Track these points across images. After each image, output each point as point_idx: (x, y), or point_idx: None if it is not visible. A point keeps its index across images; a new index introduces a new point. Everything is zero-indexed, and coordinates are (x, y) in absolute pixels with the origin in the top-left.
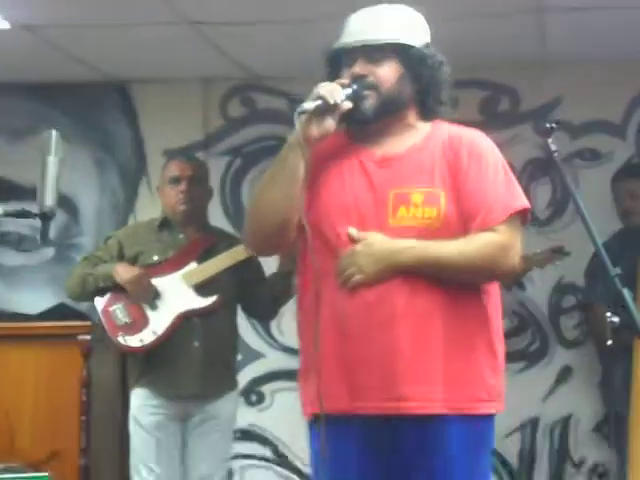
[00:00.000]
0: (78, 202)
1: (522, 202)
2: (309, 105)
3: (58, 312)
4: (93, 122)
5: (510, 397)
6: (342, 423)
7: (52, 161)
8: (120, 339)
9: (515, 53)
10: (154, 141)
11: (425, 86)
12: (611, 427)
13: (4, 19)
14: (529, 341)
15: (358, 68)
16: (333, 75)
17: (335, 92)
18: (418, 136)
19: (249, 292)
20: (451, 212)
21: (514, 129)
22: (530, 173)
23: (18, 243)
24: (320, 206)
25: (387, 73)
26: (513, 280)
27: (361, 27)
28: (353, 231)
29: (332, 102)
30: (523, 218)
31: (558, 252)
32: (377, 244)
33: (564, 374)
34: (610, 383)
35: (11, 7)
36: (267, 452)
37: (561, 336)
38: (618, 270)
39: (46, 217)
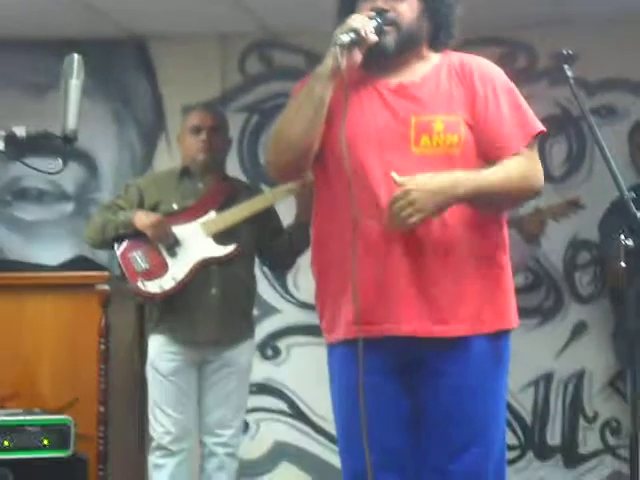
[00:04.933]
0: (96, 157)
1: (538, 125)
2: (346, 38)
3: (77, 263)
4: (112, 77)
5: (524, 353)
6: (374, 345)
7: (74, 84)
8: (139, 284)
9: (532, 10)
10: (172, 96)
11: (440, 22)
12: (628, 379)
13: None
14: (543, 297)
15: (380, 2)
16: (346, 7)
17: (366, 25)
18: (430, 66)
19: (267, 242)
20: (469, 139)
21: (530, 87)
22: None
23: (38, 198)
24: (340, 134)
25: (407, 9)
26: (531, 236)
27: None
28: (396, 176)
29: (364, 36)
30: (537, 137)
31: (573, 204)
32: (431, 182)
33: (578, 329)
34: (623, 337)
35: None
36: (283, 405)
37: (575, 292)
38: (632, 194)
39: (68, 140)
